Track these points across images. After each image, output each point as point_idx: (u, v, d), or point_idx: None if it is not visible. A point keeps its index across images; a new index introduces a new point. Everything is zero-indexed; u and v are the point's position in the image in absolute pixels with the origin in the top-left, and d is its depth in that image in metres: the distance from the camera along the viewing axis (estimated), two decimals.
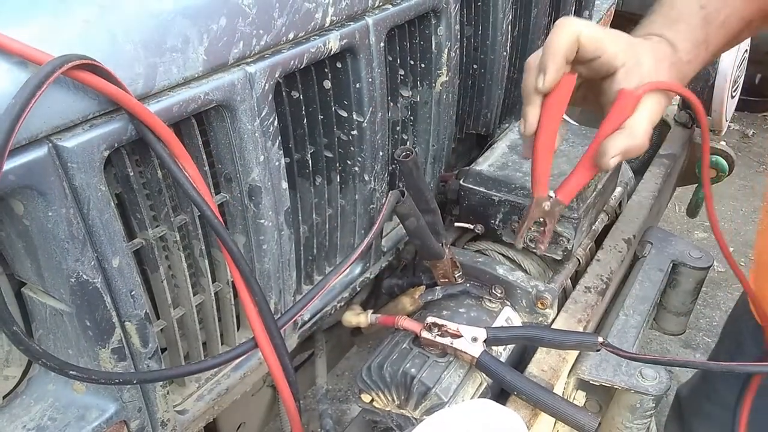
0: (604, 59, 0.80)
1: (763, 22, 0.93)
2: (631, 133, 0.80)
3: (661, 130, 1.54)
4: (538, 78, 0.79)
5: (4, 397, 0.66)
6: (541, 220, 0.90)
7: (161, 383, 0.70)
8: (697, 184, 1.64)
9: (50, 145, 0.53)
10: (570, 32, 0.77)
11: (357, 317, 1.01)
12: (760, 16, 0.91)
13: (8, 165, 0.50)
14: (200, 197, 0.60)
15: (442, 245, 0.95)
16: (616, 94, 0.81)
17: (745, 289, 1.10)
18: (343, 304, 0.99)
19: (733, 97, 1.47)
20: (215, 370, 0.81)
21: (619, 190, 1.23)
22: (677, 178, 1.60)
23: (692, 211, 1.67)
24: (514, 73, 1.24)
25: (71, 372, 0.56)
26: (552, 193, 0.87)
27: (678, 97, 1.55)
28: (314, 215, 0.90)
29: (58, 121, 0.53)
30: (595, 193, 1.03)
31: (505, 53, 1.12)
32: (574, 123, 1.47)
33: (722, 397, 1.23)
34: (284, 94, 0.77)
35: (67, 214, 0.55)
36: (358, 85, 0.81)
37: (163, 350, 0.76)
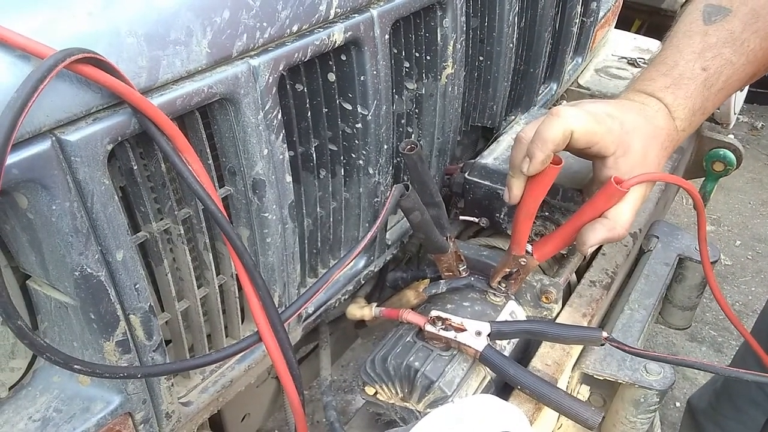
0: (594, 149, 0.83)
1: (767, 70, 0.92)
2: (613, 226, 0.83)
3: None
4: (524, 161, 0.81)
5: (10, 389, 0.67)
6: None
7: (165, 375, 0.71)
8: (704, 178, 1.62)
9: (53, 138, 0.53)
10: (564, 127, 0.79)
11: (361, 310, 1.02)
12: (765, 67, 0.91)
13: (12, 159, 0.50)
14: (204, 191, 0.60)
15: (447, 239, 0.94)
16: (605, 177, 0.83)
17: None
18: (347, 296, 0.99)
19: (741, 89, 1.46)
20: (219, 362, 0.81)
21: None
22: (684, 171, 1.59)
23: None
24: (520, 65, 1.23)
25: (76, 366, 0.56)
26: (529, 248, 0.91)
27: None
28: (318, 208, 0.90)
29: (61, 114, 0.53)
30: None
31: (511, 45, 1.11)
32: None
33: (746, 414, 1.22)
34: (288, 86, 0.77)
35: (71, 207, 0.55)
36: (362, 78, 0.80)
37: (168, 342, 0.76)
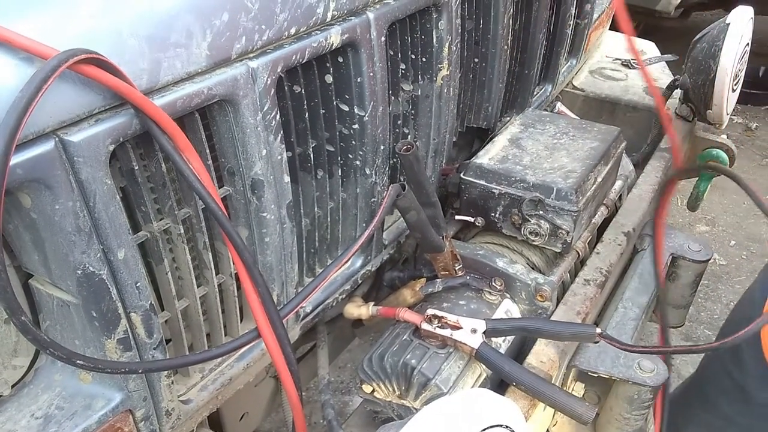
0: None
1: None
2: None
3: (661, 123, 1.54)
4: None
5: (12, 387, 0.67)
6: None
7: (166, 373, 0.71)
8: (698, 178, 1.64)
9: (57, 139, 0.54)
10: None
11: (358, 309, 1.03)
12: None
13: (16, 159, 0.51)
14: (204, 189, 0.61)
15: (443, 238, 0.96)
16: None
17: None
18: (344, 296, 1.00)
19: (734, 90, 1.47)
20: (219, 360, 0.82)
21: (619, 183, 1.24)
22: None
23: (693, 204, 1.68)
24: (515, 67, 1.24)
25: (78, 361, 0.57)
26: None
27: (679, 91, 1.55)
28: (316, 208, 0.91)
29: (64, 115, 0.54)
30: (595, 186, 1.04)
31: (506, 47, 1.12)
32: (575, 117, 1.47)
33: (714, 404, 1.23)
34: (286, 88, 0.78)
35: (74, 207, 0.56)
36: (359, 80, 0.82)
37: (168, 341, 0.77)
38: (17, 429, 0.65)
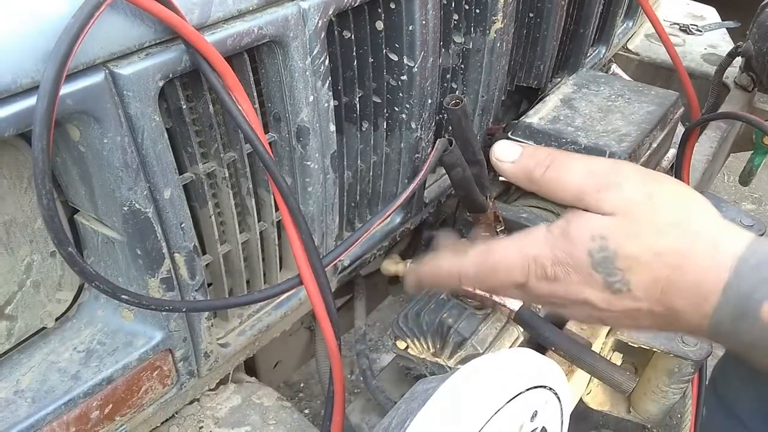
0: None
1: None
2: None
3: (719, 92, 1.47)
4: None
5: (56, 320, 0.69)
6: None
7: (206, 315, 0.72)
8: (752, 152, 1.57)
9: (107, 71, 0.53)
10: None
11: (396, 266, 1.02)
12: None
13: (66, 89, 0.50)
14: (252, 131, 0.60)
15: (487, 198, 0.93)
16: None
17: None
18: (382, 252, 0.99)
19: None
20: (257, 307, 0.82)
21: (672, 151, 1.19)
22: (732, 143, 1.54)
23: (745, 179, 1.62)
24: (570, 24, 1.19)
25: (123, 296, 0.57)
26: None
27: (740, 59, 1.48)
28: (359, 161, 0.90)
29: (115, 47, 0.53)
30: (650, 151, 0.99)
31: (563, 2, 1.07)
32: (629, 78, 1.41)
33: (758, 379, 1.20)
34: (336, 33, 0.76)
35: (122, 142, 0.56)
36: (411, 28, 0.78)
37: (209, 285, 0.77)
38: (60, 361, 0.67)
